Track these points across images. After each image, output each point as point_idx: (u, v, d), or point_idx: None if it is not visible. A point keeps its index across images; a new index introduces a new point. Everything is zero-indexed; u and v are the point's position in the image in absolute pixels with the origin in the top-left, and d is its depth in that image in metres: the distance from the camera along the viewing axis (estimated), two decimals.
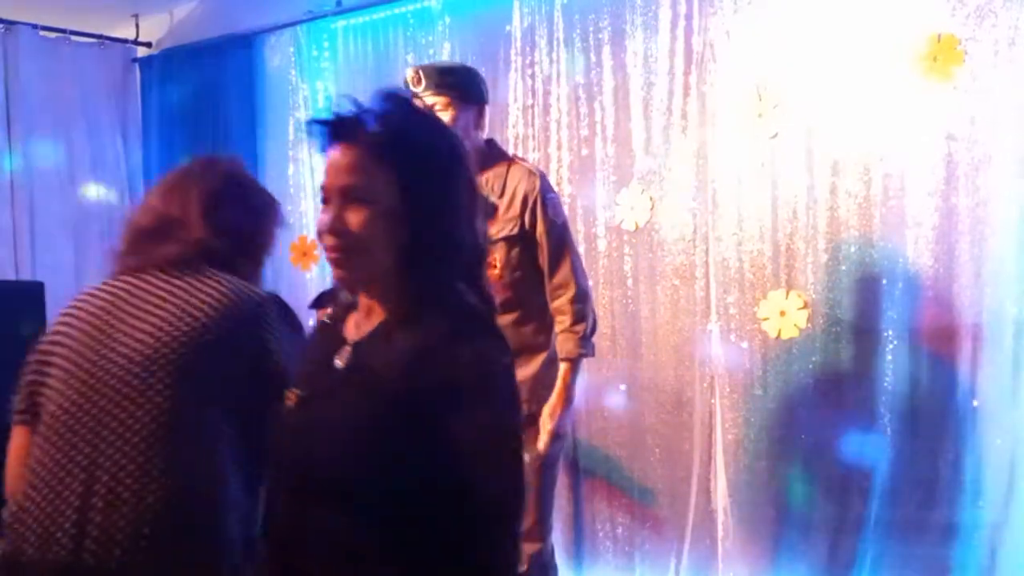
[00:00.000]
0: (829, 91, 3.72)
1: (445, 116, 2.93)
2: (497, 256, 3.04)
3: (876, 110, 3.64)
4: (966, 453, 3.51)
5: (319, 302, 4.72)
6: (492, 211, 3.02)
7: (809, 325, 3.79)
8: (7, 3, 5.23)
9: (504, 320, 2.99)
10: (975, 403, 3.51)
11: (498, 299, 2.84)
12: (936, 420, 3.58)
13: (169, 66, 5.62)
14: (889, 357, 3.64)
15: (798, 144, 3.80)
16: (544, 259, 3.12)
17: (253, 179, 2.31)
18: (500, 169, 3.13)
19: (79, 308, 2.09)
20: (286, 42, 5.15)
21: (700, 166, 4.01)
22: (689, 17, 4.02)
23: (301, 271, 5.07)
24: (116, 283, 2.10)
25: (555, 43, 4.36)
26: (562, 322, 3.12)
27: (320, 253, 5.00)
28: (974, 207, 3.51)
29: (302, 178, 5.10)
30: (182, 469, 1.91)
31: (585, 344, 3.10)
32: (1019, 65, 3.43)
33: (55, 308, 5.27)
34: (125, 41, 5.78)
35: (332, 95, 5.05)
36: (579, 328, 3.11)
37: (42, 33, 5.46)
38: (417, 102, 2.84)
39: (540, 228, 3.09)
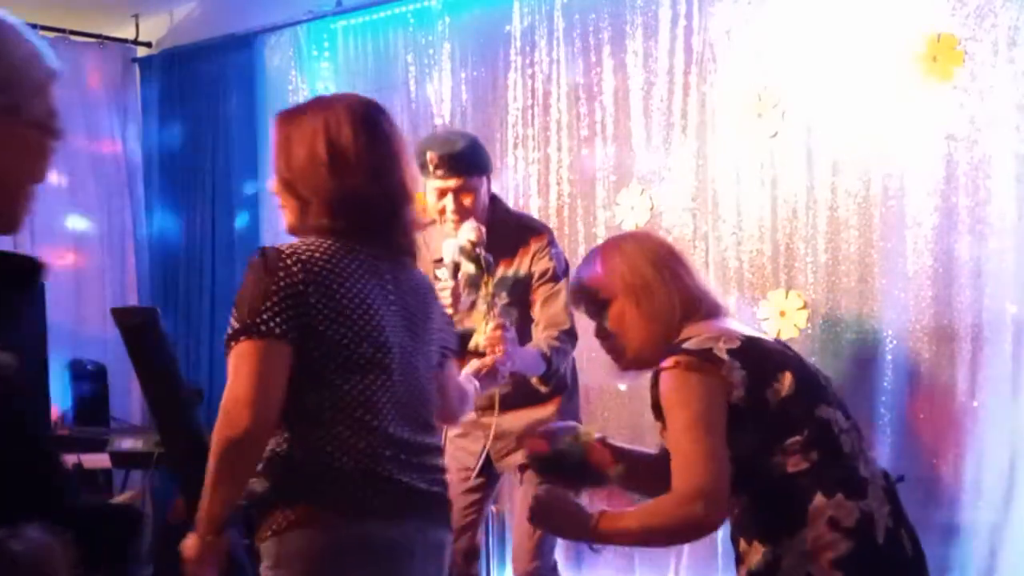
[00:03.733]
0: (829, 91, 3.72)
1: (467, 199, 3.05)
2: (509, 320, 2.99)
3: (876, 110, 3.64)
4: (966, 453, 3.52)
5: None
6: (508, 286, 3.07)
7: (809, 325, 3.79)
8: (7, 3, 5.20)
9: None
10: (975, 403, 3.51)
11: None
12: (936, 420, 3.58)
13: (169, 66, 5.62)
14: (889, 357, 3.64)
15: (798, 144, 3.80)
16: (535, 301, 3.12)
17: None
18: (509, 234, 3.14)
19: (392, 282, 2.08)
20: (286, 42, 5.14)
21: (700, 166, 4.01)
22: (689, 17, 4.02)
23: None
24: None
25: (555, 43, 4.36)
26: (544, 337, 3.08)
27: None
28: (974, 207, 3.51)
29: None
30: None
31: (549, 366, 3.04)
32: (1019, 65, 3.43)
33: (56, 308, 5.32)
34: (125, 41, 5.78)
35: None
36: (559, 345, 3.06)
37: (42, 33, 5.45)
38: (437, 183, 2.99)
39: (538, 271, 3.11)
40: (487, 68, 4.57)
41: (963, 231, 3.53)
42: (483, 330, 2.85)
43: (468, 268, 2.95)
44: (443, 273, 2.98)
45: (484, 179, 3.14)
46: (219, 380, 5.35)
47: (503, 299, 3.06)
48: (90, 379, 5.35)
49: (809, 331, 3.79)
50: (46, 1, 5.30)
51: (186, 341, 5.46)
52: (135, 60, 5.80)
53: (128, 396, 5.46)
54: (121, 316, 3.68)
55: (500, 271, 3.07)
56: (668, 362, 1.98)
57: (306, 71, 5.07)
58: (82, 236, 5.61)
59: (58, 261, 5.46)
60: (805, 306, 3.79)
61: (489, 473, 3.25)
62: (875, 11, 3.63)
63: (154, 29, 5.79)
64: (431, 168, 3.04)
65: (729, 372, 1.94)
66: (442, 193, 3.07)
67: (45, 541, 1.20)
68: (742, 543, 2.00)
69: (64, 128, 1.44)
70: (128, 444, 3.99)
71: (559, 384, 3.17)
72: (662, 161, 4.10)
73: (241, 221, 5.33)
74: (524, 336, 3.08)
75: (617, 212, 4.16)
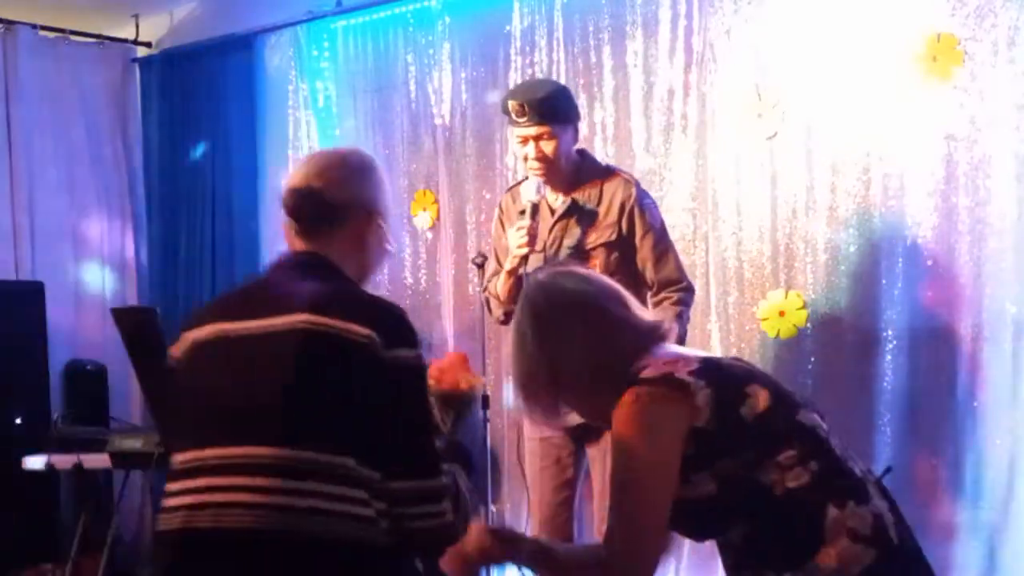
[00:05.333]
0: (829, 91, 3.72)
1: (548, 146, 3.11)
2: (596, 261, 3.15)
3: (876, 110, 3.64)
4: (966, 453, 3.52)
5: None
6: (592, 219, 3.16)
7: (809, 325, 3.79)
8: (7, 3, 5.23)
9: None
10: (975, 403, 3.51)
11: None
12: (936, 420, 3.58)
13: (169, 66, 5.62)
14: (889, 357, 3.64)
15: (798, 144, 3.80)
16: (645, 261, 3.20)
17: None
18: (596, 179, 3.24)
19: None
20: (286, 42, 5.15)
21: (700, 166, 4.01)
22: (689, 17, 4.02)
23: None
24: None
25: (555, 43, 4.36)
26: (664, 303, 3.20)
27: None
28: (974, 207, 3.51)
29: None
30: None
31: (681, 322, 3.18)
32: (1019, 65, 3.43)
33: (55, 308, 5.32)
34: (125, 41, 5.78)
35: (332, 95, 5.05)
36: (681, 309, 3.20)
37: (41, 33, 5.46)
38: (520, 130, 3.06)
39: (639, 232, 3.19)
40: (487, 68, 4.57)
41: (963, 231, 3.53)
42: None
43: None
44: (523, 214, 3.13)
45: (569, 127, 3.19)
46: None
47: (588, 237, 3.17)
48: (90, 379, 5.35)
49: (809, 331, 3.79)
50: (46, 1, 5.30)
51: None
52: (135, 60, 5.80)
53: (128, 396, 5.46)
54: (121, 316, 3.68)
55: (588, 211, 3.18)
56: (628, 396, 1.85)
57: (306, 71, 5.07)
58: (82, 236, 5.61)
59: (58, 261, 5.47)
60: (805, 306, 3.79)
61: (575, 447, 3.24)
62: (875, 11, 3.63)
63: (154, 29, 5.79)
64: (513, 115, 3.12)
65: (694, 394, 1.82)
66: (524, 140, 3.13)
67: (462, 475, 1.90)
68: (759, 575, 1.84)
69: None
70: (128, 444, 3.99)
71: None
72: (662, 161, 4.10)
73: (241, 221, 5.33)
74: (613, 276, 3.08)
75: None
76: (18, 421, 4.93)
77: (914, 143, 3.59)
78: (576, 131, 3.25)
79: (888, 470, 2.09)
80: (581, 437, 3.21)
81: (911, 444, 3.62)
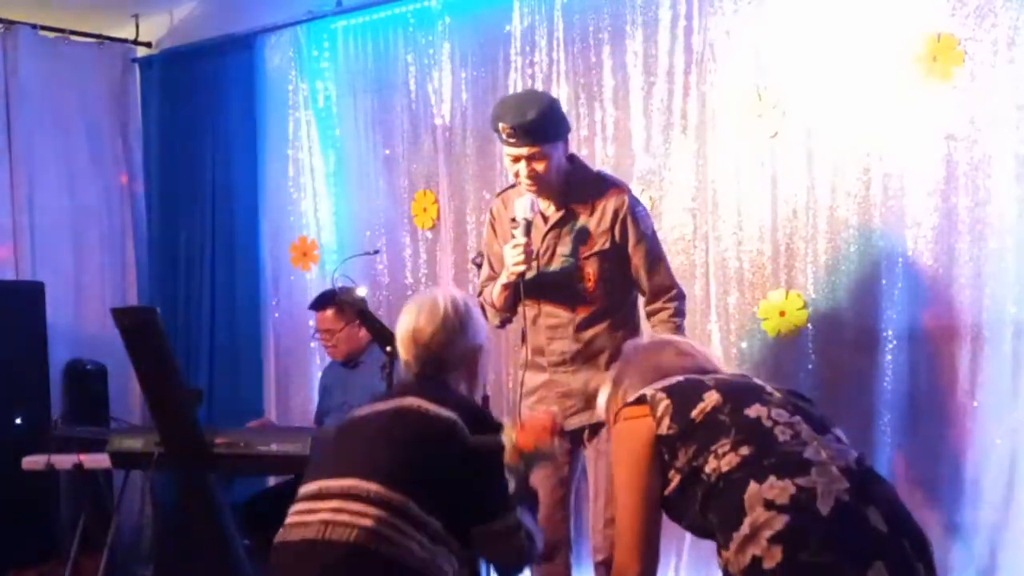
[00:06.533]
0: (829, 91, 3.72)
1: (540, 165, 3.13)
2: (589, 271, 3.18)
3: (876, 110, 3.64)
4: (966, 453, 3.52)
5: (318, 302, 4.80)
6: (585, 236, 3.18)
7: (809, 325, 3.79)
8: (7, 3, 5.23)
9: (598, 328, 3.18)
10: (975, 403, 3.51)
11: (591, 309, 3.14)
12: (936, 420, 3.58)
13: (169, 66, 5.62)
14: (889, 357, 3.64)
15: (798, 144, 3.80)
16: (637, 269, 3.22)
17: None
18: (587, 187, 3.24)
19: None
20: (286, 42, 5.14)
21: (700, 166, 4.01)
22: (689, 17, 4.02)
23: (301, 271, 5.07)
24: None
25: (555, 43, 4.36)
26: (661, 316, 3.23)
27: (319, 253, 5.01)
28: (974, 207, 3.51)
29: (302, 178, 5.10)
30: None
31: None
32: (1019, 65, 3.43)
33: (55, 308, 5.32)
34: (125, 41, 5.78)
35: (332, 95, 5.05)
36: (679, 320, 3.23)
37: (41, 33, 5.46)
38: (511, 150, 3.10)
39: (632, 240, 3.19)
40: (487, 68, 4.57)
41: (963, 231, 3.53)
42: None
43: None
44: (518, 231, 3.13)
45: (558, 144, 3.19)
46: (219, 380, 5.38)
47: (580, 249, 3.19)
48: (90, 379, 5.35)
49: (809, 331, 3.79)
50: (46, 1, 5.30)
51: (186, 341, 5.46)
52: (135, 60, 5.80)
53: (128, 396, 5.47)
54: (121, 316, 3.68)
55: (581, 221, 3.19)
56: (615, 420, 2.21)
57: (306, 71, 5.08)
58: (82, 236, 5.61)
59: (58, 261, 5.47)
60: (805, 306, 3.79)
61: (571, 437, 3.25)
62: (875, 11, 3.63)
63: (154, 29, 5.79)
64: (504, 136, 3.13)
65: (656, 407, 2.11)
66: (515, 159, 3.14)
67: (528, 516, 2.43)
68: (719, 558, 2.01)
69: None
70: (128, 444, 3.98)
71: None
72: (662, 161, 4.10)
73: (241, 221, 5.33)
74: (607, 284, 3.19)
75: None
76: (18, 421, 4.93)
77: (914, 143, 3.59)
78: (567, 143, 3.25)
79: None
80: (578, 438, 3.23)
81: (911, 444, 3.62)
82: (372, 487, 2.17)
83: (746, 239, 3.92)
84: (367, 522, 2.14)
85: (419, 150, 4.78)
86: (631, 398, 2.19)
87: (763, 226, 3.88)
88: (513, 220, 3.19)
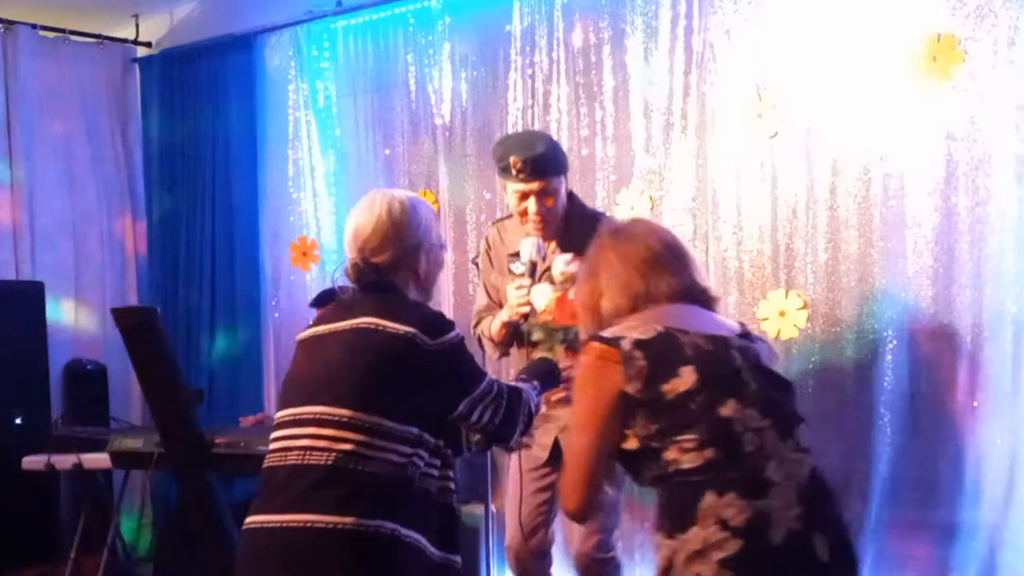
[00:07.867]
0: (829, 91, 3.72)
1: (550, 199, 3.14)
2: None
3: (876, 110, 3.64)
4: (966, 453, 3.52)
5: (319, 301, 4.79)
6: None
7: (809, 325, 3.79)
8: (7, 3, 5.23)
9: None
10: (975, 403, 3.51)
11: None
12: (936, 420, 3.58)
13: (169, 66, 5.62)
14: (889, 357, 3.64)
15: (798, 144, 3.80)
16: None
17: None
18: (584, 227, 3.06)
19: None
20: (286, 42, 5.15)
21: (700, 166, 4.01)
22: (689, 17, 4.02)
23: (301, 271, 5.07)
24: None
25: (555, 43, 4.36)
26: None
27: (319, 253, 5.01)
28: (974, 207, 3.51)
29: (302, 178, 5.10)
30: None
31: None
32: (1019, 65, 3.43)
33: (55, 308, 5.31)
34: (125, 41, 5.78)
35: (332, 95, 5.05)
36: None
37: (41, 33, 5.46)
38: (519, 186, 3.10)
39: None
40: (487, 68, 4.57)
41: (963, 231, 3.53)
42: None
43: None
44: (518, 268, 3.14)
45: (563, 178, 3.21)
46: (219, 380, 5.38)
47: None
48: (90, 379, 5.36)
49: (809, 331, 3.79)
50: (46, 1, 5.30)
51: (186, 341, 5.46)
52: (135, 60, 5.81)
53: (128, 396, 5.47)
54: (121, 316, 3.68)
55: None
56: (585, 349, 2.15)
57: (306, 71, 5.08)
58: (82, 236, 5.61)
59: (58, 261, 5.47)
60: (805, 306, 3.79)
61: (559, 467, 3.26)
62: (875, 11, 3.63)
63: (154, 29, 5.79)
64: (514, 172, 3.11)
65: (627, 363, 2.05)
66: (524, 195, 3.13)
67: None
68: (656, 536, 2.05)
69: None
70: (128, 444, 3.99)
71: None
72: (662, 161, 4.10)
73: (241, 221, 5.33)
74: None
75: (617, 212, 4.16)
76: (18, 421, 4.93)
77: (914, 143, 3.59)
78: (567, 179, 3.25)
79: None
80: (558, 450, 3.22)
81: (911, 444, 3.62)
82: (344, 412, 2.20)
83: (746, 239, 3.92)
84: (346, 446, 2.18)
85: (419, 150, 4.78)
86: (606, 333, 2.12)
87: (763, 226, 3.88)
88: (512, 256, 3.18)
